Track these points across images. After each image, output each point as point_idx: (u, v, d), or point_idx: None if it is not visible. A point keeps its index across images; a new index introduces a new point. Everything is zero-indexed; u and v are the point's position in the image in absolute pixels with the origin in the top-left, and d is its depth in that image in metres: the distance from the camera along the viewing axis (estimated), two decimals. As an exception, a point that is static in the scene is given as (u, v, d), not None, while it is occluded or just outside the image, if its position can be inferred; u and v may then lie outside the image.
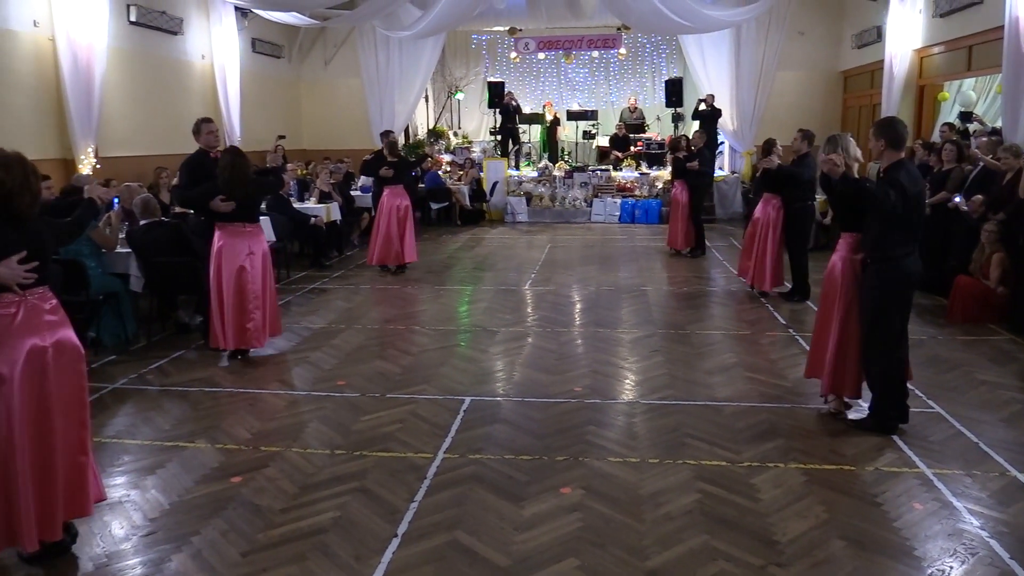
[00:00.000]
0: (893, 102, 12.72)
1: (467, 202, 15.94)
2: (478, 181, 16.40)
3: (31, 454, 3.37)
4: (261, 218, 6.92)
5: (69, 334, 3.52)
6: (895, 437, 4.82)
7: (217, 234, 6.44)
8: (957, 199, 8.41)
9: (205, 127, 6.82)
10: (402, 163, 10.60)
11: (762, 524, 3.79)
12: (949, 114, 12.38)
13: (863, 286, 4.88)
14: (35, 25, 9.29)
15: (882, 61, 13.12)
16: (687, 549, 3.57)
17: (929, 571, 3.41)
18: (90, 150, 9.87)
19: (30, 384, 3.35)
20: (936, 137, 11.28)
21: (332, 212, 11.62)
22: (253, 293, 6.45)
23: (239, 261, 6.40)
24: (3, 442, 3.32)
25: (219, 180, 6.27)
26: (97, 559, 3.57)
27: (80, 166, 9.69)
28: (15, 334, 3.33)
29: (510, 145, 17.73)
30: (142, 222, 7.38)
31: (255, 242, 6.53)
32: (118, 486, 4.31)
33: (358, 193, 13.11)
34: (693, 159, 11.44)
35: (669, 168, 13.68)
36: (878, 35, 13.70)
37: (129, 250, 7.26)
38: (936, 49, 12.17)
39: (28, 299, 3.38)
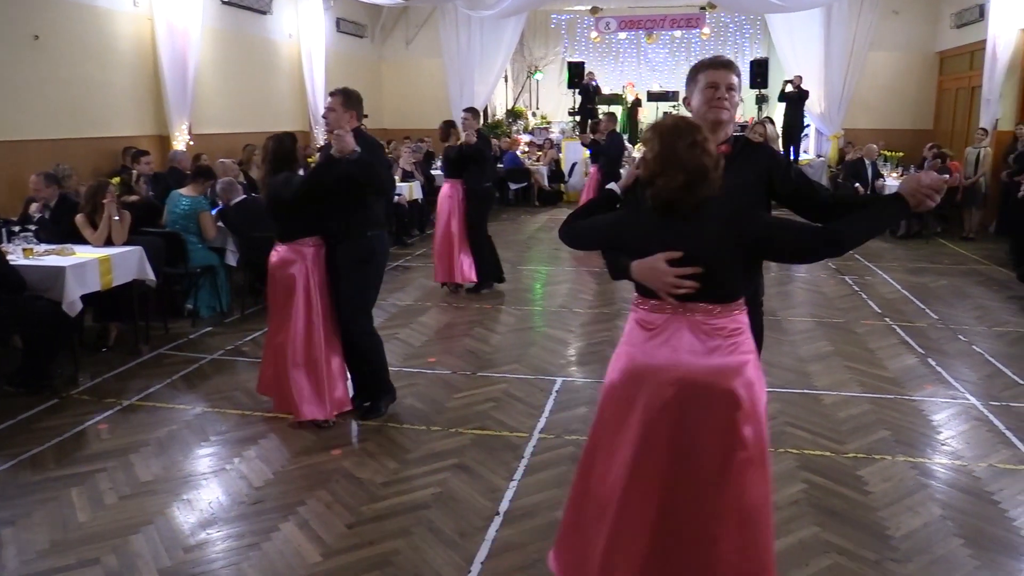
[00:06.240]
0: (995, 84, 12.13)
1: (545, 183, 15.88)
2: (556, 162, 16.32)
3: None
4: None
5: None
6: (1009, 433, 4.63)
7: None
8: None
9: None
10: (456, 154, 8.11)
11: (873, 518, 3.66)
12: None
13: None
14: (135, 5, 9.52)
15: (984, 41, 12.50)
16: (797, 540, 3.47)
17: (1056, 574, 3.26)
18: (184, 127, 10.12)
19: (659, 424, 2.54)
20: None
21: (414, 191, 11.71)
22: (291, 341, 4.71)
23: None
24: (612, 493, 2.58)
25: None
26: (208, 524, 3.66)
27: (175, 143, 9.94)
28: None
29: (589, 125, 17.55)
30: (232, 201, 7.51)
31: (298, 267, 4.72)
32: (220, 455, 4.42)
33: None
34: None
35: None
36: (980, 14, 13.06)
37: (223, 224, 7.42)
38: (1045, 28, 11.56)
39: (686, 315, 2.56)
